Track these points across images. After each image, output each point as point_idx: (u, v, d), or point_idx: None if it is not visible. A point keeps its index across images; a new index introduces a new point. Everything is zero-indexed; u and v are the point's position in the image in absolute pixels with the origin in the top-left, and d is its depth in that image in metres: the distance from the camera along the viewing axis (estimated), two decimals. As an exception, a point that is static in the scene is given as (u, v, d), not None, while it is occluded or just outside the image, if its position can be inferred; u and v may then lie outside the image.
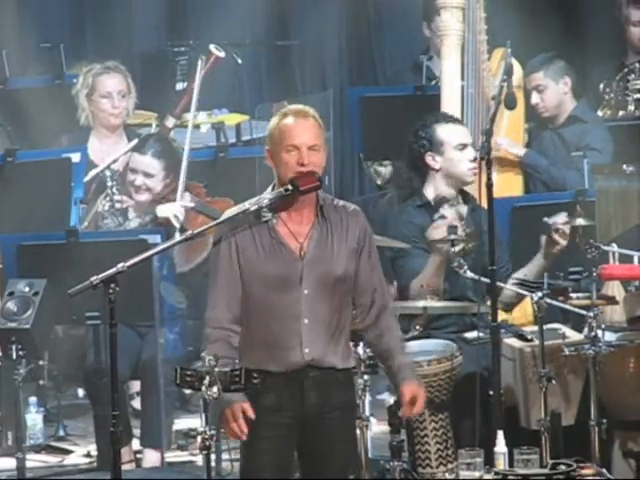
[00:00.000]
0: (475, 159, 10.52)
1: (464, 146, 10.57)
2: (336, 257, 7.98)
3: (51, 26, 16.23)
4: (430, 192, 10.77)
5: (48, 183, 11.98)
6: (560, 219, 10.55)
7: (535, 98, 12.47)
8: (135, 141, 12.31)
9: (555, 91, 12.55)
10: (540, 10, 14.86)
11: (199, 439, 7.76)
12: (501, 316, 9.96)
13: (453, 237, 10.15)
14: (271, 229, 7.95)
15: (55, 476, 11.68)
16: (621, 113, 13.46)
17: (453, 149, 10.60)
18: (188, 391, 11.15)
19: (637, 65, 13.48)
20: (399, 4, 15.10)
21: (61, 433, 12.44)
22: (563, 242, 10.44)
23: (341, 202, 8.17)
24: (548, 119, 12.59)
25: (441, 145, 10.64)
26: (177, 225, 11.43)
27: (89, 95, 12.61)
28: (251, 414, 7.72)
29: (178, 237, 10.24)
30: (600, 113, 13.49)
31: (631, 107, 13.39)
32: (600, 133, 12.61)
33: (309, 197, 7.87)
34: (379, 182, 13.42)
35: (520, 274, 10.48)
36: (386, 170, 13.25)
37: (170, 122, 12.89)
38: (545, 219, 10.57)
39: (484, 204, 10.38)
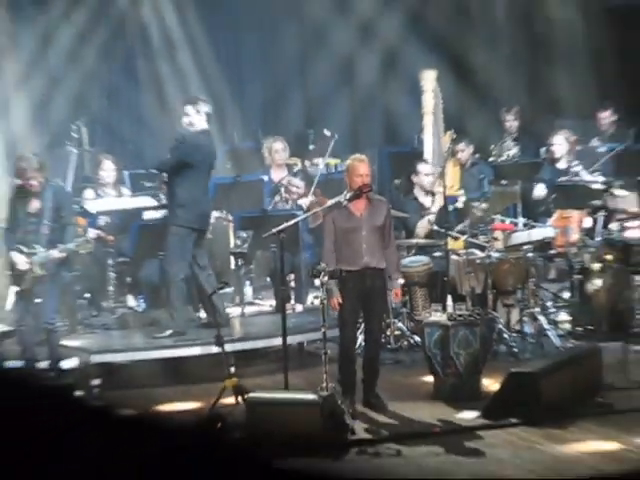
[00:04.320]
0: (431, 182, 10.60)
1: (427, 174, 10.65)
2: (376, 219, 8.15)
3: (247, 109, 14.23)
4: (418, 193, 10.73)
5: (252, 190, 11.21)
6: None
7: (460, 155, 11.78)
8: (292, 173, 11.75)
9: (468, 152, 11.89)
10: (469, 105, 13.23)
11: (319, 302, 8.05)
12: (450, 245, 9.85)
13: (430, 217, 10.33)
14: (346, 208, 8.13)
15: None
16: (500, 159, 12.57)
17: (423, 175, 10.67)
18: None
19: (507, 139, 12.72)
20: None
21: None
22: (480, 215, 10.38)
23: (377, 196, 8.45)
24: (462, 166, 11.86)
25: (418, 172, 10.70)
26: (304, 207, 10.99)
27: (269, 153, 11.81)
28: (340, 300, 8.01)
29: (307, 213, 10.07)
30: (492, 159, 12.59)
31: (504, 157, 12.63)
32: (486, 168, 11.99)
33: (366, 194, 8.12)
34: (396, 182, 12.24)
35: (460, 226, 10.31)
36: (398, 182, 12.09)
37: (307, 163, 12.64)
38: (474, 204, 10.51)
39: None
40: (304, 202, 11.23)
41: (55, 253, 9.05)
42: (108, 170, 11.34)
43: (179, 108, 10.21)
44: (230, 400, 7.86)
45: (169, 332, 9.61)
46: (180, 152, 9.72)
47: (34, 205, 9.13)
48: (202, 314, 10.18)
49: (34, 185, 9.08)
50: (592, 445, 7.16)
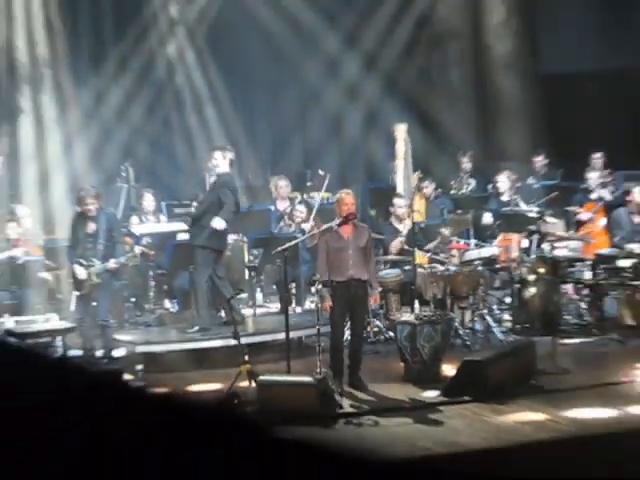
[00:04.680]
0: (403, 212, 10.40)
1: (401, 207, 10.48)
2: (360, 241, 8.13)
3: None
4: (393, 220, 10.59)
5: (261, 217, 11.11)
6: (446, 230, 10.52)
7: (425, 190, 11.69)
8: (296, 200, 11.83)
9: (431, 188, 11.81)
10: (432, 151, 13.07)
11: (314, 305, 8.03)
12: (417, 260, 9.77)
13: (401, 239, 10.28)
14: (336, 232, 8.14)
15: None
16: (460, 192, 12.68)
17: (398, 207, 10.50)
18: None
19: (464, 177, 12.84)
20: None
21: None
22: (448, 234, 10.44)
23: (361, 223, 8.51)
24: (427, 199, 11.73)
25: (394, 204, 10.57)
26: (307, 230, 10.90)
27: (275, 188, 11.93)
28: (330, 303, 7.99)
29: (306, 235, 10.21)
30: (453, 192, 12.68)
31: (463, 190, 12.76)
32: (446, 200, 12.11)
33: (352, 221, 8.13)
34: (372, 212, 12.04)
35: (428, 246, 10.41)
36: (372, 212, 12.08)
37: (306, 197, 12.34)
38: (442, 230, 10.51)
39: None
40: (306, 226, 11.18)
41: (111, 265, 9.08)
42: (149, 201, 11.33)
43: (208, 152, 10.09)
44: (244, 382, 7.82)
45: (196, 328, 9.52)
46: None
47: (91, 227, 9.14)
48: (222, 314, 10.03)
49: (91, 210, 9.08)
50: (527, 417, 7.23)
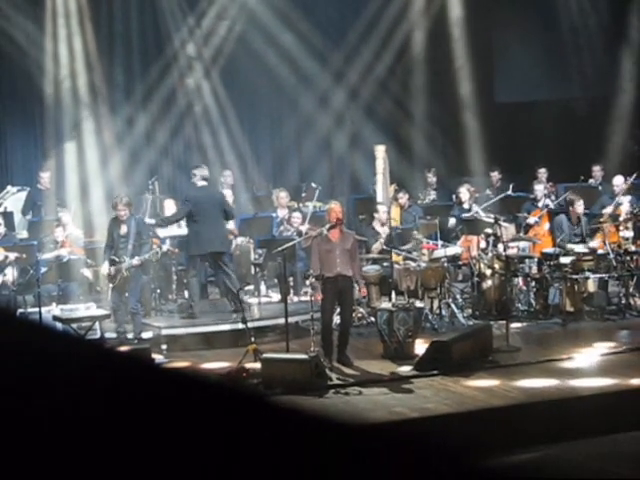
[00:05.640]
0: (385, 218, 10.10)
1: (383, 212, 10.06)
2: (346, 244, 8.05)
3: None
4: (376, 224, 10.20)
5: (264, 222, 11.04)
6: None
7: (400, 200, 11.45)
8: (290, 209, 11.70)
9: (405, 198, 11.58)
10: (405, 167, 13.20)
11: (309, 295, 8.30)
12: (394, 258, 9.53)
13: (381, 240, 9.92)
14: (326, 236, 8.02)
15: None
16: (424, 202, 12.41)
17: (381, 212, 10.08)
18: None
19: (429, 189, 12.84)
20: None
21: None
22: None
23: (347, 230, 8.39)
24: (402, 207, 11.49)
25: (378, 211, 10.16)
26: (303, 232, 10.54)
27: (276, 199, 11.82)
28: (322, 294, 7.90)
29: (301, 237, 9.89)
30: (419, 202, 12.38)
31: (426, 201, 12.57)
32: (417, 208, 11.73)
33: (339, 227, 8.06)
34: (361, 217, 11.64)
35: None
36: (362, 217, 11.59)
37: (301, 205, 12.13)
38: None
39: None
40: (303, 229, 10.95)
41: (134, 262, 9.04)
42: (170, 209, 11.11)
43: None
44: (251, 359, 7.79)
45: (184, 314, 9.38)
46: (186, 206, 9.43)
47: (123, 230, 9.03)
48: (232, 303, 9.57)
49: (122, 215, 8.98)
50: (484, 386, 7.25)
